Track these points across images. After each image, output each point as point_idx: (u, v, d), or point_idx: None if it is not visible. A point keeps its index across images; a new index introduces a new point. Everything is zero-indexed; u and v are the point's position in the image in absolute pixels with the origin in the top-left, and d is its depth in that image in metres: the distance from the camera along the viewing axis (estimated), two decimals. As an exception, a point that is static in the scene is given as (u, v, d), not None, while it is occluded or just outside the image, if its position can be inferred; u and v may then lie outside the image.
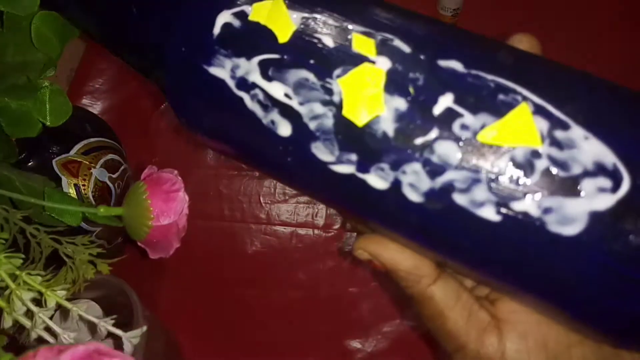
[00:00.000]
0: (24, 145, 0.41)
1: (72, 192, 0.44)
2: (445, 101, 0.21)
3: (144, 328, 0.27)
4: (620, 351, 0.25)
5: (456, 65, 0.21)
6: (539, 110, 0.20)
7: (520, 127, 0.20)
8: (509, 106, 0.21)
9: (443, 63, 0.21)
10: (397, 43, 0.22)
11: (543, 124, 0.20)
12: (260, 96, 0.23)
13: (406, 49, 0.22)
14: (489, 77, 0.21)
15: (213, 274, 0.54)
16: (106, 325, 0.26)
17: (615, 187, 0.20)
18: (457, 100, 0.21)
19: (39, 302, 0.26)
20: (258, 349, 0.52)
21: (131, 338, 0.26)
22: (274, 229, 0.55)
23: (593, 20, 0.60)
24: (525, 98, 0.21)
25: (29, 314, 0.25)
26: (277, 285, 0.54)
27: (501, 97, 0.21)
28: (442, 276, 0.26)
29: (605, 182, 0.20)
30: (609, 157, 0.20)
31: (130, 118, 0.56)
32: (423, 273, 0.25)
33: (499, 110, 0.21)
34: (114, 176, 0.47)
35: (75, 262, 0.28)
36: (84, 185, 0.44)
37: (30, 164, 0.43)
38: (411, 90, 0.21)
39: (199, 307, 0.54)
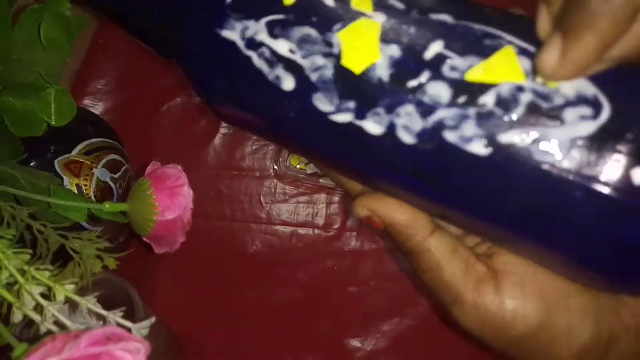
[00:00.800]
0: (26, 145, 0.42)
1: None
2: (436, 47, 0.22)
3: (153, 319, 0.27)
4: (620, 303, 0.25)
5: (446, 17, 0.23)
6: (522, 52, 0.22)
7: (505, 66, 0.22)
8: (494, 49, 0.22)
9: (434, 16, 0.23)
10: (392, 1, 0.24)
11: (527, 63, 0.22)
12: (267, 53, 0.24)
13: (400, 5, 0.24)
14: (476, 26, 0.23)
15: (214, 273, 0.55)
16: (115, 317, 0.26)
17: (596, 114, 0.21)
18: (446, 46, 0.22)
19: (47, 296, 0.26)
20: (258, 347, 0.52)
21: (140, 329, 0.26)
22: (274, 228, 0.56)
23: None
24: (509, 42, 0.22)
25: (38, 308, 0.26)
26: (277, 285, 0.54)
27: (487, 41, 0.22)
28: (438, 229, 0.26)
29: (587, 110, 0.21)
30: (590, 89, 0.21)
31: (131, 119, 0.56)
32: (419, 226, 0.26)
33: (485, 52, 0.22)
34: (115, 176, 0.47)
35: (82, 256, 0.28)
36: (85, 185, 0.44)
37: (32, 164, 0.43)
38: (404, 39, 0.23)
39: (199, 306, 0.54)
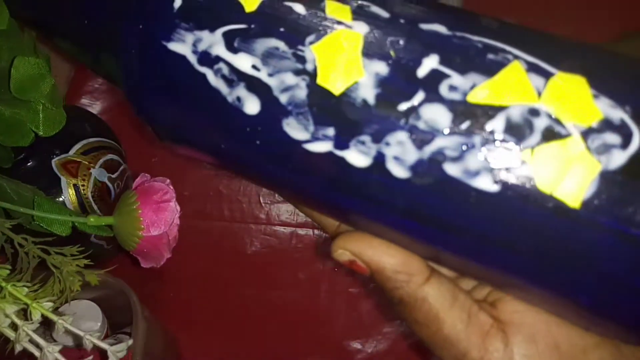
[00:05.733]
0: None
1: (72, 192, 0.44)
2: (430, 63, 0.19)
3: (129, 342, 0.26)
4: None
5: (439, 28, 0.20)
6: (532, 68, 0.19)
7: (515, 85, 0.19)
8: (499, 65, 0.19)
9: (425, 26, 0.20)
10: (374, 9, 0.20)
11: (539, 81, 0.19)
12: (225, 70, 0.21)
13: (384, 14, 0.20)
14: (475, 38, 0.19)
15: (213, 274, 0.54)
16: (91, 339, 0.25)
17: (626, 143, 0.18)
18: (442, 62, 0.19)
19: (26, 311, 0.25)
20: (258, 349, 0.52)
21: (117, 352, 0.26)
22: (273, 229, 0.55)
23: (596, 24, 0.60)
24: (516, 57, 0.19)
25: (15, 325, 0.25)
26: (276, 286, 0.54)
27: (490, 56, 0.19)
28: (435, 274, 0.23)
29: (614, 138, 0.18)
30: (615, 112, 0.18)
31: (129, 118, 0.55)
32: (413, 271, 0.22)
33: (489, 69, 0.19)
34: (113, 176, 0.47)
35: (62, 273, 0.28)
36: (83, 185, 0.44)
37: (29, 164, 0.43)
38: (392, 53, 0.20)
39: (198, 307, 0.54)
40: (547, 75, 0.19)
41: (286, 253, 0.55)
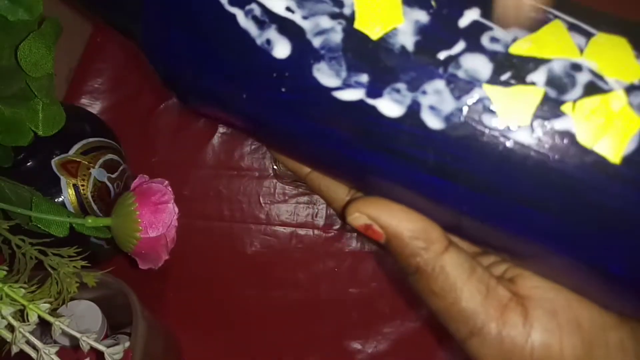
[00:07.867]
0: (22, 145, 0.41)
1: (71, 192, 0.43)
2: (472, 14, 0.19)
3: (126, 344, 0.26)
4: None
5: None
6: (573, 27, 0.19)
7: (557, 40, 0.18)
8: (541, 22, 0.19)
9: None
10: None
11: (580, 39, 0.18)
12: (257, 11, 0.20)
13: None
14: None
15: (212, 274, 0.54)
16: (88, 340, 0.25)
17: None
18: (484, 15, 0.19)
19: (23, 312, 0.25)
20: (258, 349, 0.52)
21: (113, 354, 0.25)
22: (273, 229, 0.55)
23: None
24: (557, 17, 0.19)
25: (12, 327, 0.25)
26: (277, 286, 0.54)
27: (532, 14, 0.19)
28: (453, 245, 0.22)
29: None
30: None
31: (129, 118, 0.56)
32: (433, 238, 0.21)
33: (531, 25, 0.19)
34: (113, 176, 0.47)
35: (59, 274, 0.27)
36: (82, 185, 0.44)
37: (29, 164, 0.43)
38: (433, 3, 0.19)
39: (198, 308, 0.54)
40: (588, 35, 0.18)
41: (286, 253, 0.55)
